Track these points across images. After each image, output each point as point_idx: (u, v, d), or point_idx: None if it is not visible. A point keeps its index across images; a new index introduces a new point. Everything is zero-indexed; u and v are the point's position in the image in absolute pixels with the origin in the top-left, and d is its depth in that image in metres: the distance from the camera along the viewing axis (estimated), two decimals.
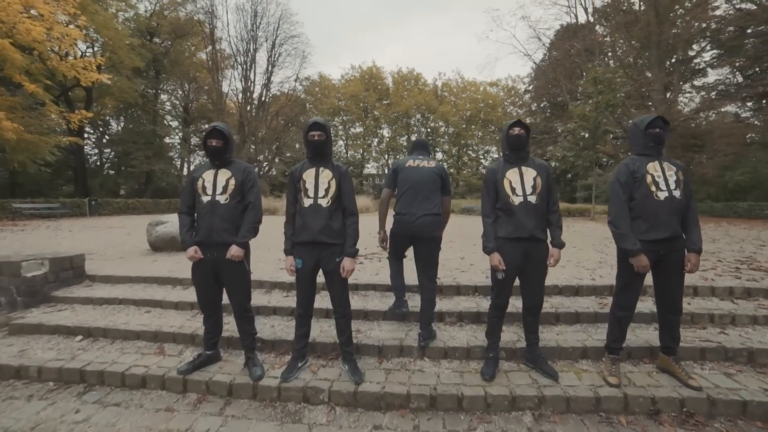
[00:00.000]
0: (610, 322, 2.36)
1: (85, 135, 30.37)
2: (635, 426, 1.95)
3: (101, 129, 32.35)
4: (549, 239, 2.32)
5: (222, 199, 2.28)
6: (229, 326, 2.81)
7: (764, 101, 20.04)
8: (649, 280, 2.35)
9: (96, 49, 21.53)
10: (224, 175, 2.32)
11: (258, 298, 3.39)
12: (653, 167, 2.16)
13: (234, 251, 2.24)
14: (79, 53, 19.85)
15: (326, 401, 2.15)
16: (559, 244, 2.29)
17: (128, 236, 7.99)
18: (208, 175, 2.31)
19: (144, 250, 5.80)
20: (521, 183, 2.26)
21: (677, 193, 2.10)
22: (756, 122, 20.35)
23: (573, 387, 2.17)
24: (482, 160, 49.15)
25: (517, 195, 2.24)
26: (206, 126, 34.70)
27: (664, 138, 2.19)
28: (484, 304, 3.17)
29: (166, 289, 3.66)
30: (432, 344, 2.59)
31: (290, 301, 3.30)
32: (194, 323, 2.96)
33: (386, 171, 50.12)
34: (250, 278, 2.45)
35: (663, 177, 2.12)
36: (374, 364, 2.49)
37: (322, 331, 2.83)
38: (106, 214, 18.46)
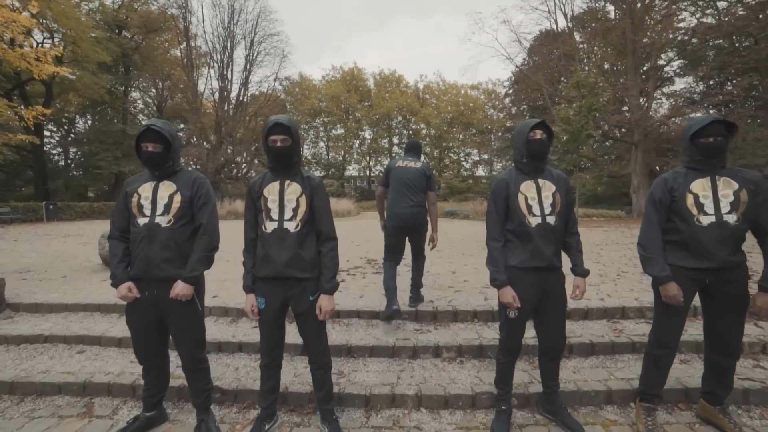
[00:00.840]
0: (645, 363, 1.97)
1: (48, 133, 28.46)
2: None
3: (66, 127, 30.41)
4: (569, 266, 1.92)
5: (163, 221, 1.74)
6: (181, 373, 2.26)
7: (723, 109, 20.97)
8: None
9: (56, 41, 20.02)
10: (167, 189, 1.78)
11: (221, 331, 2.85)
12: (701, 185, 1.76)
13: (179, 289, 1.71)
14: (35, 44, 18.43)
15: None
16: (583, 273, 1.90)
17: (83, 247, 7.17)
18: (145, 190, 1.77)
19: (96, 266, 5.09)
20: (539, 200, 1.84)
21: (731, 218, 1.71)
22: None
23: None
24: (463, 162, 49.56)
25: (534, 215, 1.82)
26: (182, 126, 33.24)
27: (722, 148, 1.74)
28: (486, 333, 2.75)
29: (110, 320, 3.05)
30: (430, 392, 2.13)
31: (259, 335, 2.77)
32: (139, 368, 2.39)
33: (368, 173, 49.59)
34: (203, 319, 1.93)
35: (712, 198, 1.73)
36: (360, 419, 2.02)
37: (297, 375, 2.33)
38: (67, 219, 17.11)
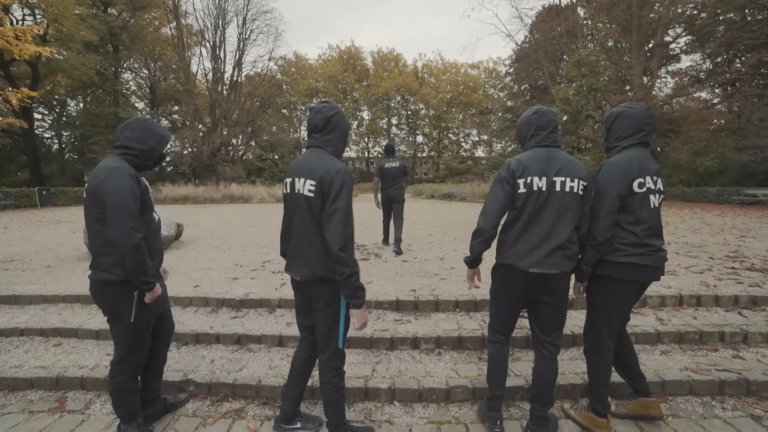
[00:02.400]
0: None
1: (39, 116, 27.94)
2: None
3: (57, 110, 29.81)
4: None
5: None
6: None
7: (729, 88, 20.46)
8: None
9: (38, 19, 19.28)
10: None
11: (199, 322, 2.82)
12: None
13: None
14: (14, 21, 17.76)
15: None
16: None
17: (73, 234, 7.11)
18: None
19: (82, 254, 5.05)
20: None
21: None
22: (722, 108, 20.84)
23: None
24: (462, 143, 48.95)
25: None
26: (176, 108, 32.56)
27: None
28: (466, 324, 2.72)
29: (89, 311, 3.02)
30: (404, 385, 2.11)
31: (237, 325, 2.75)
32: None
33: (366, 154, 49.16)
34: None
35: None
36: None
37: (272, 367, 2.31)
38: (61, 205, 17.02)
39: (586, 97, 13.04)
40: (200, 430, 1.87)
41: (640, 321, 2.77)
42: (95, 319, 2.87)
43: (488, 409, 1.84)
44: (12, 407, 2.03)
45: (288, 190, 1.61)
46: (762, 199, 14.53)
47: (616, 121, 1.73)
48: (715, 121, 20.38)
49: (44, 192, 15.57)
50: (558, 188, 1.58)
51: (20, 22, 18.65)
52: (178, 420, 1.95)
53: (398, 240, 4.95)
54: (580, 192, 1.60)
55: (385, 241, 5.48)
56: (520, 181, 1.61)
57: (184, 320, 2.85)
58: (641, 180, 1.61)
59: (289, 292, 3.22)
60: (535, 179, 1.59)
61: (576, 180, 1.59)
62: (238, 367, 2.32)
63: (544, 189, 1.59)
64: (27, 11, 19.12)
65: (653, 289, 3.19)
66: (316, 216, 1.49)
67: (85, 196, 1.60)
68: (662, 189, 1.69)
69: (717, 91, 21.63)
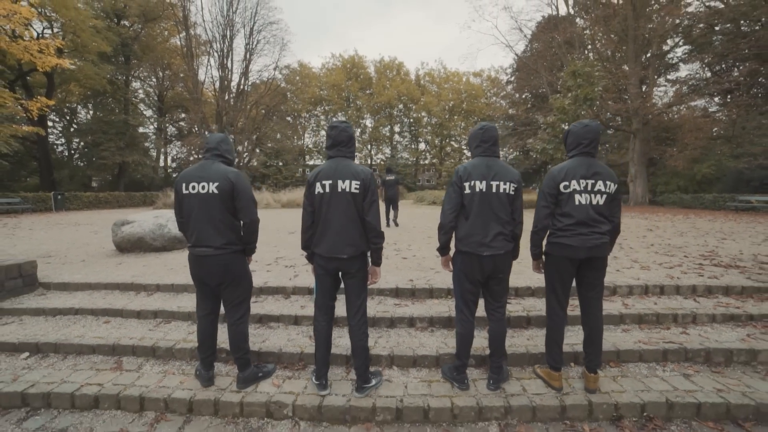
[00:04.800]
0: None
1: (51, 123, 28.75)
2: None
3: (68, 117, 30.66)
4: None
5: None
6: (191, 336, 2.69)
7: (729, 97, 20.91)
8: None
9: (56, 30, 20.12)
10: None
11: None
12: None
13: None
14: (35, 34, 18.54)
15: (290, 416, 2.09)
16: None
17: (95, 235, 7.61)
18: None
19: (110, 251, 5.53)
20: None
21: None
22: (723, 117, 21.28)
23: (539, 395, 2.18)
24: (465, 151, 49.42)
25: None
26: (183, 115, 33.17)
27: None
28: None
29: (129, 297, 3.48)
30: (401, 353, 2.55)
31: (258, 308, 3.19)
32: (156, 334, 2.83)
33: (369, 161, 49.71)
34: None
35: None
36: (341, 374, 2.44)
37: (290, 339, 2.75)
38: (74, 209, 17.60)
39: (581, 106, 13.51)
40: (233, 385, 2.31)
41: (608, 306, 3.18)
42: (134, 302, 3.33)
43: (456, 373, 2.29)
44: (81, 366, 2.49)
45: (327, 191, 2.06)
46: (756, 205, 14.85)
47: (567, 136, 2.20)
48: (714, 130, 20.77)
49: (59, 196, 16.16)
50: (494, 190, 2.08)
51: (39, 35, 19.47)
52: (216, 378, 2.39)
53: (395, 220, 9.16)
54: (512, 192, 2.11)
55: (387, 223, 8.86)
56: (466, 184, 2.11)
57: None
58: (566, 183, 2.09)
59: (301, 282, 3.67)
60: (477, 182, 2.09)
61: (508, 183, 2.10)
62: (261, 340, 2.76)
63: (484, 190, 2.08)
64: (46, 24, 19.95)
65: (624, 280, 3.62)
66: (359, 207, 2.06)
67: (202, 194, 2.11)
68: (602, 190, 2.08)
69: (716, 99, 22.12)
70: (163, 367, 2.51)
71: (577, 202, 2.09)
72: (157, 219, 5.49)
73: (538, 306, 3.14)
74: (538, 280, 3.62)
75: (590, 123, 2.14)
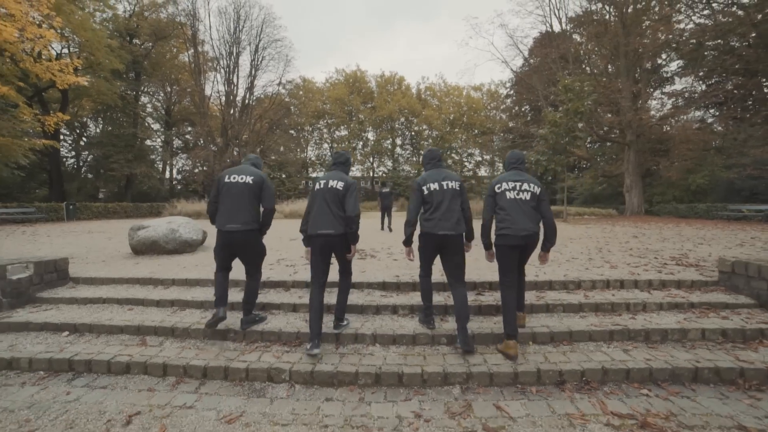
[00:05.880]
0: None
1: (61, 137, 29.74)
2: (543, 393, 2.39)
3: (78, 131, 31.67)
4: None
5: None
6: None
7: (722, 109, 21.48)
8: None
9: (72, 49, 21.15)
10: None
11: (233, 296, 3.73)
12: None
13: None
14: (54, 53, 19.53)
15: (287, 380, 2.52)
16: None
17: (109, 240, 8.12)
18: None
19: (126, 254, 6.01)
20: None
21: None
22: (718, 128, 21.81)
23: (497, 365, 2.60)
24: (466, 163, 50.11)
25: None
26: (189, 129, 34.14)
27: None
28: (435, 298, 3.59)
29: (148, 289, 3.94)
30: (383, 332, 2.98)
31: (261, 297, 3.64)
32: (174, 318, 3.28)
33: (371, 174, 50.28)
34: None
35: None
36: (332, 349, 2.87)
37: (288, 323, 3.19)
38: (84, 219, 18.21)
39: (572, 120, 14.06)
40: (240, 356, 2.74)
41: (570, 297, 3.60)
42: (154, 293, 3.79)
43: (425, 316, 3.11)
44: (113, 343, 2.94)
45: (321, 187, 2.92)
46: (747, 214, 15.18)
47: (506, 158, 3.03)
48: (705, 141, 21.25)
49: (71, 206, 16.79)
50: (446, 188, 2.87)
51: (59, 54, 20.48)
52: (225, 352, 2.82)
53: (389, 225, 10.38)
54: (457, 188, 2.90)
55: (382, 228, 10.51)
56: (425, 188, 2.91)
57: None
58: (499, 185, 2.87)
59: (300, 277, 4.12)
60: (433, 185, 2.89)
61: (454, 182, 2.91)
62: (264, 323, 3.19)
63: (438, 189, 2.86)
64: (64, 44, 21.00)
65: (588, 276, 4.04)
66: (342, 200, 2.86)
67: (239, 183, 2.97)
68: (527, 189, 2.79)
69: (711, 111, 22.71)
70: (181, 343, 2.95)
71: (508, 197, 2.77)
72: (170, 224, 5.98)
73: None
74: None
75: (515, 151, 3.04)
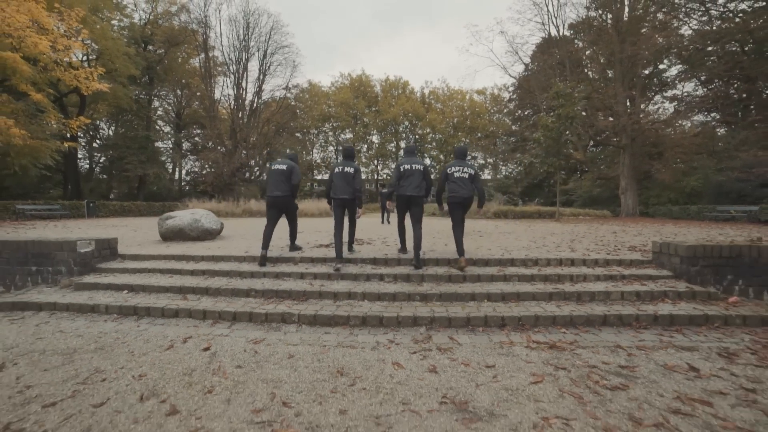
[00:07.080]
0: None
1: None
2: (487, 331, 3.20)
3: (91, 133, 33.03)
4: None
5: None
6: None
7: (718, 114, 22.05)
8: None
9: (92, 56, 22.39)
10: None
11: (252, 267, 4.59)
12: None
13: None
14: (76, 60, 20.70)
15: (296, 321, 3.36)
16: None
17: (135, 232, 9.05)
18: None
19: (156, 240, 6.91)
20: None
21: None
22: (721, 131, 22.41)
23: (455, 312, 3.41)
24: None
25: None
26: (198, 131, 35.30)
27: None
28: (415, 271, 4.41)
29: (182, 263, 4.82)
30: (370, 291, 3.82)
31: (276, 269, 4.49)
32: (206, 282, 4.14)
33: (375, 176, 51.14)
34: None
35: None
36: (330, 303, 3.71)
37: (297, 285, 4.04)
38: (102, 216, 19.29)
39: (564, 124, 14.81)
40: (261, 306, 3.59)
41: (527, 271, 4.40)
42: (188, 265, 4.66)
43: (401, 246, 5.07)
44: (162, 298, 3.81)
45: (339, 171, 4.67)
46: (735, 215, 15.78)
47: (454, 150, 4.20)
48: (705, 145, 21.79)
49: (91, 204, 17.88)
50: (413, 168, 4.51)
51: (81, 61, 21.68)
52: (249, 304, 3.66)
53: (388, 219, 12.87)
54: (421, 169, 4.53)
55: (382, 222, 12.49)
56: (401, 167, 4.56)
57: (246, 268, 4.62)
58: (450, 168, 4.52)
59: (306, 255, 4.97)
60: (406, 166, 4.55)
61: (420, 165, 4.54)
62: (278, 285, 4.04)
63: (410, 168, 4.49)
64: (85, 53, 22.25)
65: (545, 256, 4.84)
66: (351, 179, 4.63)
67: (278, 169, 4.81)
68: (466, 171, 4.40)
69: (713, 114, 23.30)
70: (214, 299, 3.81)
71: (456, 176, 4.17)
72: (193, 215, 6.89)
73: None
74: (488, 250, 4.86)
75: (460, 146, 4.38)
